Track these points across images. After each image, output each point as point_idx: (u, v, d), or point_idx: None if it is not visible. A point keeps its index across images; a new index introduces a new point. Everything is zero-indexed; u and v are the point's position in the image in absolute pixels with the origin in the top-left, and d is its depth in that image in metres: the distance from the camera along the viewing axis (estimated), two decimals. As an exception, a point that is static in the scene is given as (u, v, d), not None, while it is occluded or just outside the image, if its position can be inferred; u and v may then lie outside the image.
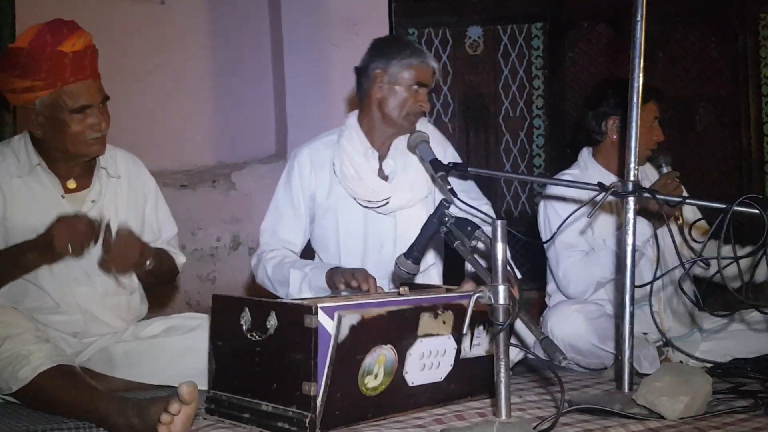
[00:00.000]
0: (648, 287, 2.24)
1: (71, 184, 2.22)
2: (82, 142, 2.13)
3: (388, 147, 2.49)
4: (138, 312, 2.36)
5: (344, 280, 2.19)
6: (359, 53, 3.88)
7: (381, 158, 2.48)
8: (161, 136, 3.93)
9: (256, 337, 1.84)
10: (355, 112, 2.54)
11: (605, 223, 2.67)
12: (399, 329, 1.86)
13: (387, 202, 2.42)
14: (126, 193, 2.32)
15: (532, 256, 3.30)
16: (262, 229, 2.54)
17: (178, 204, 3.77)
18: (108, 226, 2.10)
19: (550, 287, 2.80)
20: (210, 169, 4.10)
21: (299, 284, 2.33)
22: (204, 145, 4.15)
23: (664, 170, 2.60)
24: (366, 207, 2.45)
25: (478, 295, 1.72)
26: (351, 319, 1.74)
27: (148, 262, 2.20)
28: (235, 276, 3.95)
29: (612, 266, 2.57)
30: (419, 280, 2.36)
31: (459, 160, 2.49)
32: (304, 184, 2.49)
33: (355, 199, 2.45)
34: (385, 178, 2.46)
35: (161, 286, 2.50)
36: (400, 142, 2.47)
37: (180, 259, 2.46)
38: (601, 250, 2.60)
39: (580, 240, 2.64)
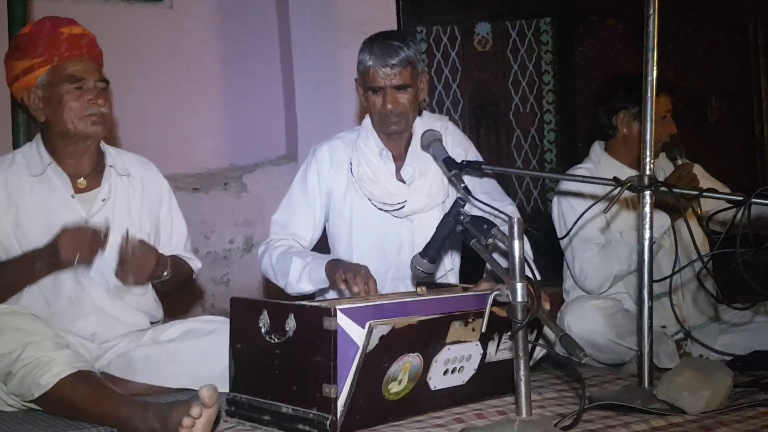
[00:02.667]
0: (667, 280, 2.23)
1: (81, 183, 2.24)
2: (81, 119, 2.16)
3: (404, 150, 2.46)
4: (152, 310, 2.37)
5: (345, 280, 2.15)
6: (368, 53, 3.88)
7: (398, 161, 2.46)
8: (173, 140, 3.94)
9: (275, 339, 1.84)
10: None
11: (621, 216, 2.65)
12: (428, 337, 1.86)
13: (403, 206, 2.39)
14: (140, 196, 2.33)
15: (546, 253, 3.29)
16: (273, 221, 2.53)
17: (191, 207, 3.79)
18: (125, 235, 2.12)
19: (568, 284, 2.79)
20: (222, 172, 4.11)
21: (299, 273, 2.32)
22: (215, 148, 4.16)
23: (679, 162, 2.59)
24: (382, 210, 2.43)
25: (496, 293, 1.72)
26: (382, 329, 1.73)
27: (165, 273, 2.22)
28: (248, 278, 3.96)
29: (629, 259, 2.55)
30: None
31: (482, 160, 2.46)
32: (322, 181, 2.48)
33: (371, 201, 2.43)
34: (403, 181, 2.44)
35: (176, 290, 2.50)
36: (416, 146, 2.44)
37: (196, 264, 2.47)
38: (617, 243, 2.59)
39: (596, 234, 2.63)
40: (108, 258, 2.14)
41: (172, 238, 2.41)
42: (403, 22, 4.34)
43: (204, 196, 3.96)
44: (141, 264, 2.11)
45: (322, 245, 2.61)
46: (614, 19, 4.59)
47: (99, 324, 2.23)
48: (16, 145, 2.62)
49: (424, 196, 2.40)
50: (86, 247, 2.05)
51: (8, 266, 2.12)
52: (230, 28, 4.17)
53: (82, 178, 2.24)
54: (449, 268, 2.48)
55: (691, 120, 4.48)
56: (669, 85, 2.71)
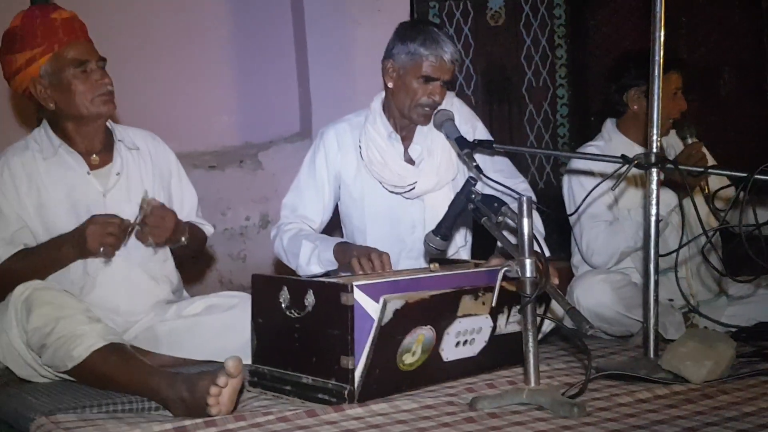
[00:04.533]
0: (673, 255, 2.29)
1: (95, 160, 2.31)
2: (92, 101, 2.23)
3: (413, 130, 2.51)
4: (173, 280, 2.44)
5: (361, 265, 2.21)
6: (381, 29, 3.86)
7: (406, 141, 2.51)
8: (188, 118, 3.99)
9: (295, 314, 1.93)
10: (381, 95, 2.56)
11: (629, 194, 2.70)
12: (439, 311, 1.94)
13: (413, 187, 2.44)
14: (150, 167, 2.40)
15: (558, 227, 3.35)
16: (284, 204, 2.59)
17: (208, 185, 3.84)
18: (144, 196, 2.21)
19: (576, 259, 2.85)
20: (237, 150, 4.14)
21: (309, 256, 2.39)
22: (230, 126, 4.20)
23: (689, 141, 2.62)
24: (393, 192, 2.48)
25: (505, 269, 1.80)
26: (395, 303, 1.82)
27: (183, 239, 2.30)
28: (264, 253, 4.01)
29: (635, 236, 2.61)
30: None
31: (489, 137, 2.51)
32: (330, 163, 2.53)
33: (381, 183, 2.49)
34: (412, 162, 2.49)
35: (192, 255, 2.58)
36: (425, 126, 2.48)
37: (208, 228, 2.55)
38: (624, 220, 2.64)
39: (604, 211, 2.68)
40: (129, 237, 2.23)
41: (184, 206, 2.49)
42: (416, -2, 4.36)
43: (220, 174, 4.01)
44: (160, 225, 2.20)
45: (334, 227, 2.67)
46: (628, -8, 4.57)
47: (122, 296, 2.30)
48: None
49: (434, 175, 2.45)
50: (112, 239, 2.14)
51: (37, 252, 2.21)
52: (243, 6, 4.18)
53: (94, 155, 2.31)
54: (461, 244, 2.55)
55: (703, 93, 4.47)
56: (679, 61, 2.74)
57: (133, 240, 2.26)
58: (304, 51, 4.15)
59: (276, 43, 4.23)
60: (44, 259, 2.21)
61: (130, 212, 2.22)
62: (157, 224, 2.20)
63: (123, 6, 3.74)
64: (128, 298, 2.31)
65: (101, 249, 2.14)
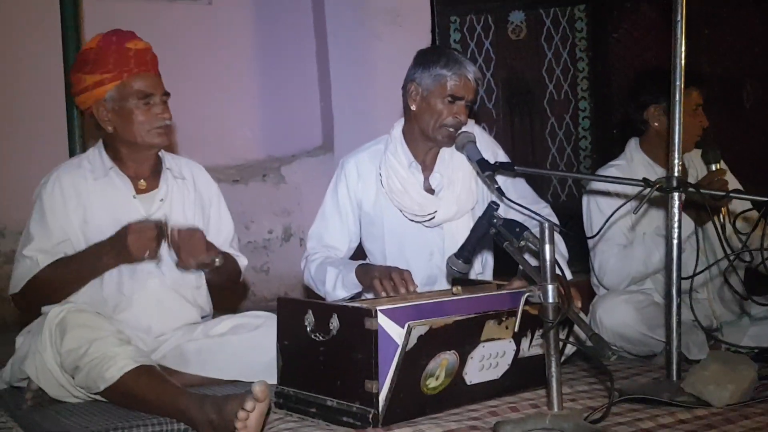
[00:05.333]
0: (692, 278, 2.29)
1: (142, 184, 2.39)
2: (149, 132, 2.31)
3: (433, 159, 2.54)
4: (204, 306, 2.50)
5: (383, 286, 2.25)
6: (402, 44, 3.93)
7: (426, 169, 2.54)
8: (212, 133, 4.06)
9: (320, 337, 1.96)
10: (401, 122, 2.59)
11: (648, 217, 2.70)
12: (463, 336, 1.96)
13: (433, 216, 2.47)
14: (193, 196, 2.48)
15: (579, 241, 3.35)
16: (310, 235, 2.65)
17: (232, 198, 3.87)
18: (168, 224, 2.25)
19: (594, 279, 2.86)
20: (260, 163, 4.21)
21: (334, 281, 2.45)
22: (253, 140, 4.27)
23: (713, 167, 2.61)
24: (413, 221, 2.51)
25: (528, 294, 1.82)
26: (420, 329, 1.85)
27: (217, 260, 2.33)
28: (287, 266, 4.08)
29: (646, 262, 2.62)
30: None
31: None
32: (351, 192, 2.58)
33: (401, 211, 2.51)
34: (431, 191, 2.51)
35: (227, 286, 2.63)
36: (446, 153, 2.51)
37: (242, 261, 2.60)
38: (638, 245, 2.65)
39: (619, 234, 2.68)
40: (163, 252, 2.28)
41: (220, 235, 2.54)
42: (436, 12, 4.38)
43: (243, 187, 4.08)
44: (191, 241, 2.24)
45: (362, 254, 2.70)
46: (648, 4, 4.56)
47: (154, 317, 2.36)
48: (71, 150, 2.78)
49: (453, 204, 2.47)
50: (154, 243, 2.20)
51: (76, 259, 2.27)
52: (266, 22, 4.25)
53: (142, 180, 2.39)
54: (479, 271, 2.57)
55: (727, 105, 4.45)
56: (698, 77, 2.72)
57: (168, 264, 2.32)
58: (326, 65, 4.20)
59: (298, 58, 4.29)
60: (82, 267, 2.27)
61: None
62: (189, 244, 2.24)
63: (147, 21, 3.81)
64: (160, 319, 2.37)
65: (146, 254, 2.19)
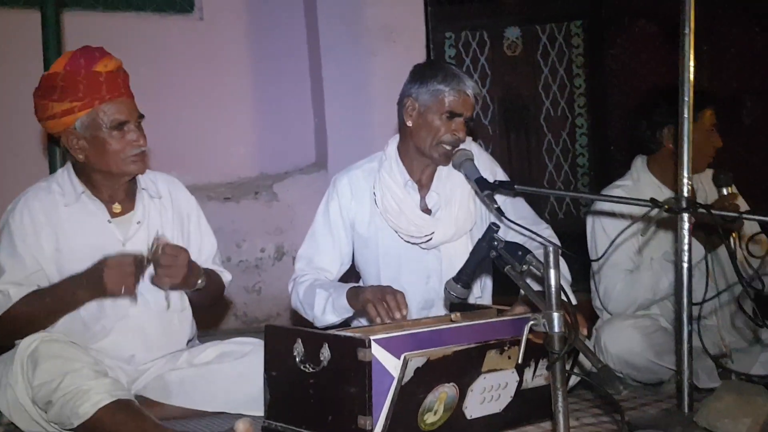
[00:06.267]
0: (701, 304, 2.19)
1: (116, 208, 2.26)
2: (123, 160, 2.18)
3: (430, 177, 2.43)
4: (189, 332, 2.39)
5: (377, 311, 2.13)
6: (397, 60, 3.86)
7: (423, 188, 2.43)
8: (204, 150, 3.98)
9: (310, 368, 1.84)
10: (396, 139, 2.48)
11: (655, 241, 2.59)
12: (463, 367, 1.85)
13: (430, 238, 2.36)
14: (171, 215, 2.36)
15: (579, 259, 3.25)
16: (299, 256, 2.52)
17: (223, 216, 3.82)
18: (155, 237, 2.14)
19: (598, 302, 2.75)
20: (252, 181, 4.12)
21: (324, 305, 2.32)
22: (246, 157, 4.19)
23: (725, 192, 2.52)
24: (409, 242, 2.40)
25: (532, 323, 1.71)
26: (417, 362, 1.74)
27: (199, 281, 2.23)
28: (280, 286, 3.96)
29: (654, 288, 2.54)
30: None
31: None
32: (344, 211, 2.46)
33: (397, 232, 2.41)
34: (428, 211, 2.41)
35: (210, 304, 2.52)
36: (443, 171, 2.41)
37: (226, 276, 2.48)
38: (645, 270, 2.55)
39: (624, 259, 2.58)
40: (146, 276, 2.17)
41: (202, 252, 2.43)
42: (431, 28, 4.31)
43: (235, 205, 3.97)
44: (174, 263, 2.12)
45: (353, 275, 2.59)
46: (646, 20, 4.51)
47: (137, 346, 2.24)
48: (52, 167, 2.66)
49: (451, 225, 2.36)
50: (130, 277, 2.08)
51: (50, 293, 2.15)
52: (259, 38, 4.18)
53: (116, 203, 2.27)
54: (478, 295, 2.46)
55: (726, 122, 4.36)
56: (712, 97, 2.64)
57: (150, 289, 2.20)
58: (319, 82, 4.13)
59: (292, 74, 4.23)
60: (56, 301, 2.14)
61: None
62: (170, 263, 2.13)
63: (142, 39, 3.73)
64: (144, 347, 2.25)
65: (123, 290, 2.07)
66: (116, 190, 2.27)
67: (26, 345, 2.00)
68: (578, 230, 2.79)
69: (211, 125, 4.01)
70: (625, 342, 2.46)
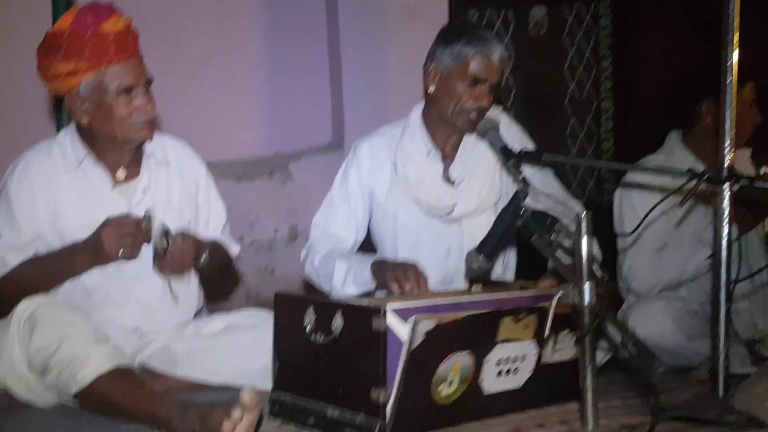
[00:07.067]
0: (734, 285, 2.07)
1: (121, 174, 2.15)
2: (129, 127, 2.07)
3: (454, 147, 2.32)
4: (195, 303, 2.30)
5: (396, 282, 2.03)
6: (418, 39, 3.73)
7: (447, 158, 2.31)
8: (218, 128, 3.90)
9: (321, 338, 1.74)
10: (420, 106, 2.36)
11: (687, 219, 2.48)
12: (477, 335, 1.74)
13: (451, 210, 2.25)
14: (179, 182, 2.25)
15: (604, 243, 3.14)
16: (314, 224, 2.42)
17: (236, 196, 3.75)
18: (165, 228, 2.04)
19: (623, 283, 2.64)
20: (267, 161, 4.03)
21: (344, 276, 2.21)
22: (261, 136, 4.11)
23: (762, 170, 2.40)
24: (429, 214, 2.29)
25: (560, 294, 1.59)
26: (426, 325, 1.63)
27: (202, 259, 2.14)
28: (293, 267, 3.88)
29: (681, 269, 2.44)
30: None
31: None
32: (363, 179, 2.35)
33: (417, 204, 2.29)
34: (451, 182, 2.29)
35: (216, 276, 2.41)
36: (469, 141, 2.29)
37: (233, 249, 2.38)
38: (674, 249, 2.43)
39: (653, 237, 2.47)
40: (145, 251, 2.08)
41: (210, 223, 2.33)
42: (453, 7, 4.19)
43: (249, 185, 3.89)
44: (179, 258, 2.04)
45: (369, 247, 2.49)
46: (675, 2, 4.36)
47: (142, 317, 2.16)
48: (59, 129, 2.57)
49: (475, 198, 2.25)
50: (130, 239, 1.98)
51: (49, 260, 2.06)
52: (277, 15, 4.10)
53: (121, 169, 2.16)
54: (500, 272, 2.34)
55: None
56: (752, 70, 2.52)
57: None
58: (337, 60, 4.04)
59: (309, 52, 4.14)
60: (55, 267, 2.06)
61: (153, 231, 2.06)
62: (176, 259, 2.04)
63: (156, 15, 3.64)
64: (148, 319, 2.17)
65: (120, 251, 1.98)
66: (121, 155, 2.15)
67: (23, 308, 1.90)
68: (601, 217, 2.67)
69: (226, 103, 3.93)
70: (654, 325, 2.35)
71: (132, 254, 2.01)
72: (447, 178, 2.30)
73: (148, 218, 2.03)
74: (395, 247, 2.35)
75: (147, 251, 2.08)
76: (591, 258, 1.58)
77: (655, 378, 1.74)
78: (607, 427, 1.72)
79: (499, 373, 1.80)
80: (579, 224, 1.57)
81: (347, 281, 2.20)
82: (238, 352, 2.10)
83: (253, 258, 3.74)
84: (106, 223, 1.97)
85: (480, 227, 2.20)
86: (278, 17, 4.08)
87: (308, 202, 3.98)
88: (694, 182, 1.90)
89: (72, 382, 1.80)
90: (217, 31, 3.93)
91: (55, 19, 2.51)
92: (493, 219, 2.13)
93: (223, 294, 3.66)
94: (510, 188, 2.31)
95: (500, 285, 2.15)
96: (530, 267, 2.39)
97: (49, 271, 2.05)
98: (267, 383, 1.90)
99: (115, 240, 1.95)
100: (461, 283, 2.30)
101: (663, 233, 2.48)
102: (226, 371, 2.09)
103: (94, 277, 2.08)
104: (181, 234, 2.06)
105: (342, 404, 1.71)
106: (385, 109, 3.91)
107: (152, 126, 2.13)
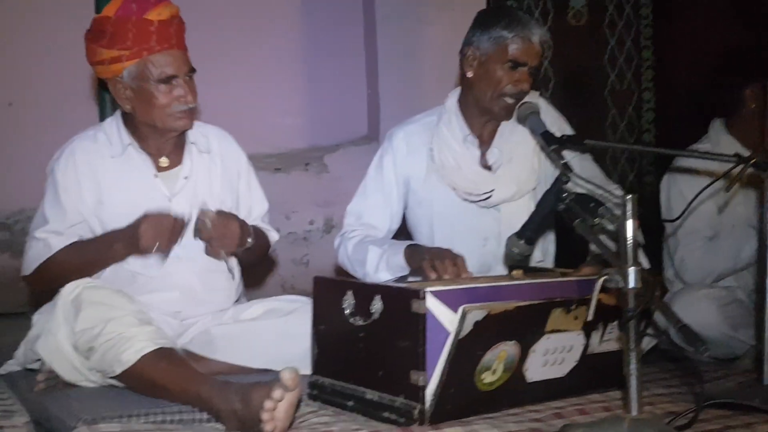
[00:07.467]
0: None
1: (164, 162, 2.19)
2: (170, 116, 2.10)
3: (492, 133, 2.29)
4: (236, 289, 2.32)
5: (434, 270, 2.02)
6: (455, 30, 3.68)
7: (484, 144, 2.29)
8: (254, 119, 3.91)
9: (360, 322, 1.74)
10: (456, 92, 2.35)
11: (735, 206, 2.44)
12: (526, 325, 1.72)
13: (489, 196, 2.23)
14: (220, 170, 2.27)
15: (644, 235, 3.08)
16: (348, 211, 2.42)
17: (272, 187, 3.70)
18: (201, 209, 2.07)
19: (671, 273, 2.60)
20: (303, 153, 4.05)
21: (377, 262, 2.21)
22: (296, 128, 4.13)
23: None
24: (466, 200, 2.28)
25: (605, 278, 1.56)
26: (476, 315, 1.61)
27: (249, 240, 2.16)
28: (328, 259, 3.88)
29: (735, 257, 2.40)
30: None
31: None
32: (398, 167, 2.35)
33: (454, 190, 2.28)
34: (488, 168, 2.27)
35: (256, 262, 2.45)
36: (506, 127, 2.27)
37: (273, 235, 2.41)
38: (726, 238, 2.38)
39: (703, 225, 2.42)
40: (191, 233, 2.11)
41: (252, 212, 2.35)
42: (491, -4, 4.16)
43: (285, 177, 3.91)
44: (227, 234, 2.07)
45: (403, 235, 2.48)
46: (718, -10, 4.27)
47: (184, 302, 2.19)
48: (102, 114, 2.60)
49: (512, 183, 2.23)
50: (166, 236, 2.02)
51: (90, 245, 2.10)
52: (313, 6, 4.10)
53: (164, 157, 2.19)
54: (540, 259, 2.31)
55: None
56: None
57: (198, 247, 2.13)
58: (374, 53, 4.03)
59: (345, 45, 4.13)
60: (95, 253, 2.09)
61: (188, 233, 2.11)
62: (223, 235, 2.08)
63: (193, 6, 3.67)
64: (190, 303, 2.19)
65: (155, 247, 2.01)
66: (164, 143, 2.19)
67: (69, 291, 1.95)
68: (642, 210, 2.61)
69: (263, 95, 3.95)
70: (698, 314, 2.30)
71: (166, 250, 2.05)
72: (484, 164, 2.28)
73: (184, 218, 2.07)
74: (431, 235, 2.33)
75: (187, 236, 2.10)
76: (636, 240, 1.54)
77: (701, 362, 1.70)
78: (651, 414, 1.69)
79: (545, 363, 1.78)
80: (624, 207, 1.54)
81: (380, 267, 2.20)
82: (276, 336, 2.12)
83: (288, 249, 3.75)
84: (145, 218, 2.01)
85: (518, 213, 2.18)
86: (315, 9, 4.09)
87: (343, 194, 3.95)
88: (740, 167, 1.85)
89: (116, 363, 1.82)
90: (255, 25, 3.94)
91: (97, 6, 2.54)
92: (531, 205, 2.12)
93: (259, 284, 3.69)
94: (548, 174, 2.29)
95: (540, 271, 2.13)
96: (568, 254, 2.36)
97: (89, 257, 2.08)
98: (306, 367, 1.90)
99: (151, 235, 1.99)
100: (500, 271, 2.28)
101: (714, 221, 2.44)
102: (265, 356, 2.10)
103: (137, 262, 2.12)
104: (217, 211, 2.09)
105: (381, 388, 1.70)
106: (420, 103, 3.84)
107: (192, 115, 2.15)
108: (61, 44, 3.24)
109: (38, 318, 2.07)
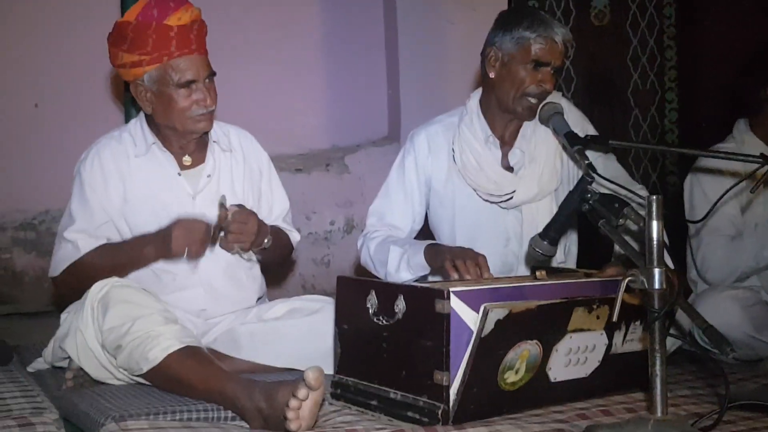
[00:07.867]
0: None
1: (187, 160, 2.22)
2: (189, 119, 2.13)
3: (513, 133, 2.29)
4: (258, 287, 2.34)
5: (456, 270, 2.02)
6: (476, 30, 3.68)
7: (505, 145, 2.29)
8: (275, 119, 3.92)
9: (384, 321, 1.75)
10: (478, 92, 2.35)
11: (758, 205, 2.41)
12: (548, 324, 1.72)
13: (511, 197, 2.23)
14: (242, 169, 2.30)
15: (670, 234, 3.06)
16: (370, 211, 2.43)
17: (293, 188, 3.75)
18: (222, 202, 2.10)
19: (694, 273, 2.57)
20: (324, 153, 4.05)
21: (398, 261, 2.21)
22: (317, 128, 4.12)
23: None
24: (488, 201, 2.28)
25: (629, 278, 1.56)
26: (498, 313, 1.61)
27: (266, 240, 2.18)
28: (348, 259, 3.92)
29: (758, 256, 2.38)
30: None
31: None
32: (420, 168, 2.35)
33: (475, 191, 2.29)
34: (510, 168, 2.27)
35: (277, 263, 2.48)
36: (528, 127, 2.26)
37: (295, 235, 2.42)
38: (749, 236, 2.36)
39: (726, 224, 2.40)
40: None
41: (273, 210, 2.38)
42: (513, -4, 4.15)
43: (306, 177, 3.92)
44: (243, 230, 2.09)
45: (425, 235, 2.49)
46: (741, -10, 4.23)
47: (208, 300, 2.21)
48: (127, 117, 2.64)
49: (534, 184, 2.22)
50: (197, 242, 2.04)
51: (120, 248, 2.13)
52: (334, 6, 4.11)
53: (187, 156, 2.22)
54: (561, 260, 2.31)
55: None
56: None
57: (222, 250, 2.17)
58: (395, 53, 4.03)
59: (366, 45, 4.13)
60: (125, 257, 2.12)
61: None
62: (240, 230, 2.10)
63: (215, 7, 3.69)
64: (213, 302, 2.22)
65: (186, 254, 2.05)
66: (186, 143, 2.22)
67: (97, 290, 1.97)
68: (665, 211, 2.60)
69: (283, 95, 3.95)
70: (722, 315, 2.28)
71: (197, 256, 2.09)
72: (506, 165, 2.28)
73: (216, 225, 2.09)
74: (453, 235, 2.34)
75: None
76: (662, 241, 1.54)
77: (724, 364, 1.69)
78: (675, 415, 1.68)
79: (568, 362, 1.78)
80: (649, 207, 1.53)
81: (401, 266, 2.21)
82: (300, 336, 2.14)
83: (309, 249, 3.76)
84: (178, 223, 2.04)
85: (540, 214, 2.18)
86: (335, 9, 4.09)
87: (364, 195, 3.99)
88: (766, 167, 1.84)
89: (143, 361, 1.85)
90: (276, 26, 3.94)
91: (123, 9, 2.58)
92: (552, 206, 2.12)
93: (280, 284, 3.70)
94: (570, 174, 2.28)
95: (564, 272, 2.12)
96: (590, 256, 2.36)
97: (118, 259, 2.11)
98: (329, 367, 1.91)
99: (183, 241, 2.02)
100: (522, 271, 2.28)
101: (736, 221, 2.42)
102: (289, 355, 2.12)
103: (163, 263, 2.14)
104: (238, 205, 2.11)
105: (405, 388, 1.70)
106: (442, 103, 3.83)
107: (212, 117, 2.18)
108: (86, 46, 3.26)
109: (66, 316, 2.10)
